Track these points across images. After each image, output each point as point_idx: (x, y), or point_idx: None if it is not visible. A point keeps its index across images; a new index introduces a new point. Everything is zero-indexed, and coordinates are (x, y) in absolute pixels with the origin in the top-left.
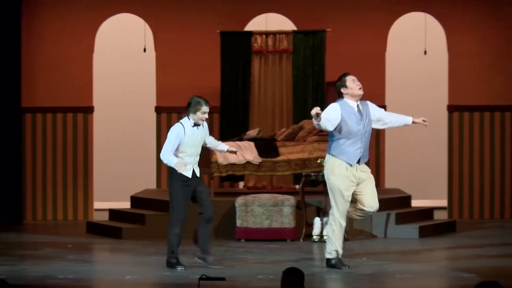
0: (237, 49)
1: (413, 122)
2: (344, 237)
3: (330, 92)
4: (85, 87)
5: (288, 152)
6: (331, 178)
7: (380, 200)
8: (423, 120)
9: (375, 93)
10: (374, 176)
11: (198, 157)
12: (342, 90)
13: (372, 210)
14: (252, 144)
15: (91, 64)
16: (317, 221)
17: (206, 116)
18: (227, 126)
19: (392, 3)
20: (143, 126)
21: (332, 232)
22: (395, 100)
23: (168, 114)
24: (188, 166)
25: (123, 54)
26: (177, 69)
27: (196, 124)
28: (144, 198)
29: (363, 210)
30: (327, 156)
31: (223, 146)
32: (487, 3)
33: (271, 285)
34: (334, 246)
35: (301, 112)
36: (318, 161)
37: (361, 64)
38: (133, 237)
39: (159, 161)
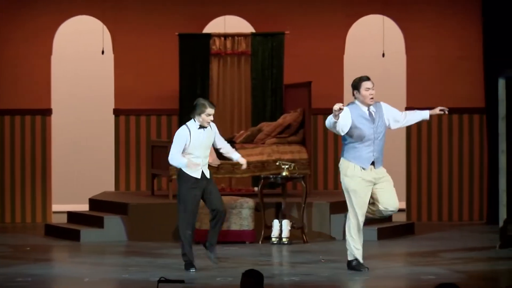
0: (196, 51)
1: (430, 116)
2: (303, 239)
3: (289, 94)
4: (43, 89)
5: (247, 155)
6: (345, 179)
7: (338, 203)
8: (440, 110)
9: (333, 96)
10: (332, 179)
11: (207, 159)
12: (355, 92)
13: (389, 209)
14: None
15: (49, 66)
16: (275, 223)
17: (211, 118)
18: None
19: (350, 5)
20: (101, 128)
21: (348, 233)
22: None
23: (126, 116)
24: (196, 168)
25: (81, 57)
26: (135, 71)
27: (202, 126)
28: (103, 201)
29: (380, 210)
30: (342, 159)
31: (235, 155)
32: (445, 6)
33: (230, 287)
34: (350, 248)
35: (260, 114)
36: (277, 164)
37: (319, 66)
38: (92, 239)
39: (117, 163)
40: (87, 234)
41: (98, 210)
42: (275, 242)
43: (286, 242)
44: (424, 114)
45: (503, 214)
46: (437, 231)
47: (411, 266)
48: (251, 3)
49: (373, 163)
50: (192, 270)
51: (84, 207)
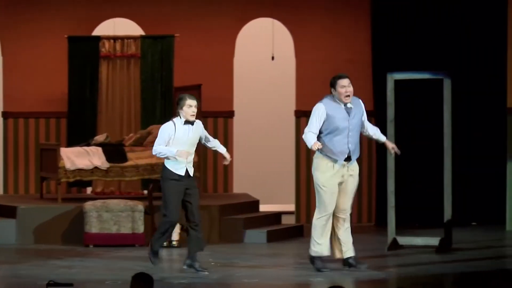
0: (85, 54)
1: (384, 143)
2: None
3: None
4: None
5: (136, 157)
6: (316, 174)
7: (228, 205)
8: (392, 148)
9: (223, 98)
10: (222, 181)
11: (192, 156)
12: (332, 90)
13: (340, 215)
14: (100, 149)
15: None
16: None
17: (194, 109)
18: (75, 131)
19: (240, 9)
20: None
21: (313, 229)
22: (244, 106)
23: (15, 119)
24: (181, 164)
25: None
26: (24, 74)
27: (188, 122)
28: None
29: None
30: (316, 154)
31: (222, 148)
32: (334, 10)
33: None
34: (313, 245)
35: (150, 117)
36: None
37: (209, 69)
38: None
39: (6, 166)
40: None
41: None
42: (165, 245)
43: (176, 245)
44: (382, 138)
45: (391, 216)
46: None
47: (300, 269)
48: (140, 6)
49: (349, 158)
50: (154, 260)
51: None
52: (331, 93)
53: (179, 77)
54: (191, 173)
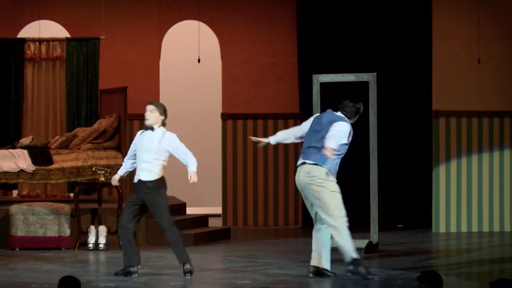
0: (10, 56)
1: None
2: (119, 245)
3: (104, 100)
4: None
5: (62, 160)
6: None
7: None
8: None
9: (149, 101)
10: None
11: (150, 164)
12: None
13: (323, 225)
14: (25, 152)
15: None
16: (92, 229)
17: (146, 114)
18: (0, 134)
19: (165, 11)
20: None
21: None
22: (170, 108)
23: None
24: (137, 172)
25: None
26: None
27: (148, 128)
28: None
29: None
30: None
31: (191, 165)
32: (259, 13)
33: None
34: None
35: (75, 119)
36: (93, 169)
37: (135, 71)
38: None
39: None
40: None
41: None
42: (92, 248)
43: (102, 248)
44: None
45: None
46: (253, 235)
47: (227, 272)
48: (66, 8)
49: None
50: (117, 272)
51: None
52: None
53: (104, 79)
54: (145, 179)
